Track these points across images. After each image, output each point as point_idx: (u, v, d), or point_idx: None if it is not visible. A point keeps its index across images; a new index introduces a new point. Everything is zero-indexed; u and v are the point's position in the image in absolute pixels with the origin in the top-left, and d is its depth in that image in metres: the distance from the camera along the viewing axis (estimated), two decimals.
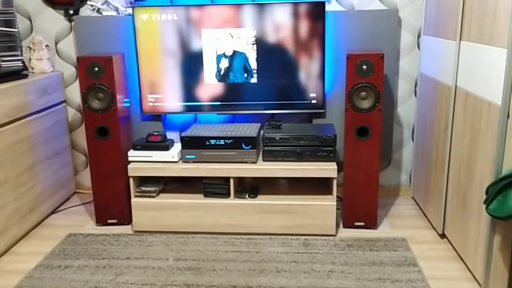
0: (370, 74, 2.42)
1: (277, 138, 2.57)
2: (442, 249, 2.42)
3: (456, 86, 2.28)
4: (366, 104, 2.47)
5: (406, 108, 3.01)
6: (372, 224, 2.62)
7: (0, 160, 2.40)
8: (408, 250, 2.40)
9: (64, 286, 2.15)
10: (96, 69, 2.53)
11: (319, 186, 2.75)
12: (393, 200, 3.05)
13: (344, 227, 2.65)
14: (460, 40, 2.23)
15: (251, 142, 2.55)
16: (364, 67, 2.42)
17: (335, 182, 2.53)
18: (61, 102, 3.05)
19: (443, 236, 2.53)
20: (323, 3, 2.68)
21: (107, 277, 2.21)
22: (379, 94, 2.44)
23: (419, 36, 2.90)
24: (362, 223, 2.62)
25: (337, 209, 2.72)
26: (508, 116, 1.80)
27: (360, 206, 2.59)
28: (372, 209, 2.59)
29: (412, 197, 3.06)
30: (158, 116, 3.00)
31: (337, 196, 2.92)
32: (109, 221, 2.74)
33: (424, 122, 2.74)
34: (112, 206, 2.71)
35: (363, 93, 2.46)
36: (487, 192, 1.81)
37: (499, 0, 1.83)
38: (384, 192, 3.12)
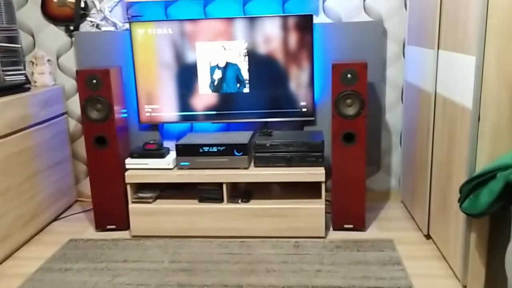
0: (354, 83, 2.54)
1: (268, 145, 2.68)
2: (427, 249, 2.51)
3: (436, 92, 2.39)
4: (351, 111, 2.58)
5: (394, 115, 3.12)
6: (360, 226, 2.72)
7: (2, 169, 2.53)
8: (394, 250, 2.49)
9: (63, 287, 2.26)
10: (94, 81, 2.66)
11: (310, 190, 2.85)
12: (383, 204, 3.15)
13: (333, 229, 2.75)
14: (438, 49, 2.35)
15: (242, 148, 2.67)
16: (349, 76, 2.53)
17: (323, 186, 2.63)
18: (62, 114, 3.19)
19: (428, 237, 2.62)
20: (311, 16, 2.81)
21: (104, 279, 2.32)
22: (363, 102, 2.55)
23: (404, 46, 3.02)
24: (351, 226, 2.72)
25: (327, 213, 2.83)
26: (479, 119, 1.91)
27: (349, 209, 2.70)
28: (360, 211, 2.69)
29: (401, 201, 3.16)
30: (156, 126, 3.13)
31: (328, 200, 3.02)
32: (108, 226, 2.85)
33: (410, 128, 2.85)
34: (110, 212, 2.83)
35: (348, 101, 2.57)
36: (460, 191, 1.92)
37: (469, 11, 1.95)
38: (374, 196, 3.22)
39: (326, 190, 3.06)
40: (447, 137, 2.23)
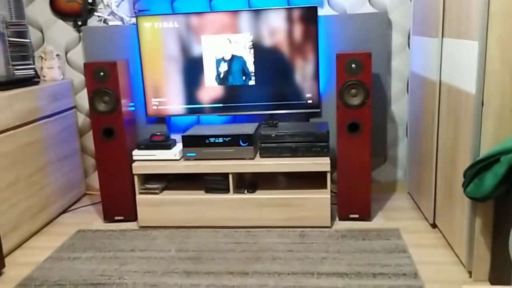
0: (359, 72, 2.55)
1: (273, 135, 2.70)
2: (433, 237, 2.51)
3: (440, 81, 2.40)
4: (356, 101, 2.59)
5: (400, 106, 3.12)
6: (366, 216, 2.73)
7: (12, 160, 2.57)
8: (400, 239, 2.50)
9: (72, 274, 2.30)
10: (102, 73, 2.70)
11: (315, 181, 2.86)
12: (389, 196, 3.15)
13: (339, 220, 2.76)
14: (442, 37, 2.35)
15: (248, 139, 2.69)
16: (353, 65, 2.55)
17: (329, 175, 2.64)
18: (71, 108, 3.23)
19: (434, 226, 2.62)
20: (315, 7, 2.82)
21: (112, 267, 2.35)
22: (368, 91, 2.56)
23: (409, 37, 3.03)
24: (357, 215, 2.73)
25: (333, 204, 2.84)
26: (482, 104, 1.91)
27: (354, 199, 2.70)
28: (365, 201, 2.70)
29: (408, 192, 3.15)
30: (163, 119, 3.16)
31: (333, 192, 3.03)
32: (116, 218, 2.89)
33: (416, 118, 2.85)
34: (118, 203, 2.86)
35: (353, 91, 2.58)
36: (464, 175, 1.92)
37: None
38: (381, 188, 3.23)
39: (332, 182, 3.07)
40: (452, 124, 2.23)
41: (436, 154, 2.49)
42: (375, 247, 2.41)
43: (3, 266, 2.35)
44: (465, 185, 1.91)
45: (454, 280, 2.10)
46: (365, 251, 2.38)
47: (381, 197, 3.13)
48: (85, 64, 2.71)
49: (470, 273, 2.11)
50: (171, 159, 2.76)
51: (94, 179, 3.43)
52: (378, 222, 2.74)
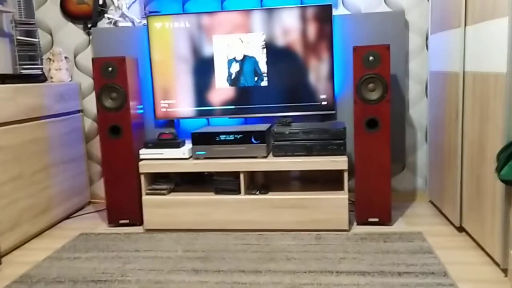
0: (377, 65, 2.44)
1: (287, 133, 2.57)
2: (460, 240, 2.33)
3: (464, 71, 2.28)
4: (374, 95, 2.47)
5: (418, 111, 2.99)
6: (386, 220, 2.55)
7: (15, 155, 2.46)
8: (424, 241, 2.32)
9: (71, 273, 2.14)
10: (110, 69, 2.61)
11: (330, 184, 2.71)
12: (409, 204, 2.98)
13: (358, 224, 2.59)
14: (465, 26, 2.25)
15: (260, 136, 2.56)
16: (371, 58, 2.44)
17: (346, 174, 2.49)
18: (78, 111, 3.14)
19: (461, 229, 2.45)
20: (330, 5, 2.75)
21: (114, 265, 2.19)
22: (387, 85, 2.44)
23: (427, 38, 2.93)
24: (376, 219, 2.56)
25: (350, 211, 2.68)
26: None
27: (373, 201, 2.54)
28: (385, 203, 2.53)
29: (430, 201, 2.98)
30: (171, 122, 3.05)
31: (351, 200, 2.87)
32: (121, 221, 2.73)
33: (436, 119, 2.72)
34: (124, 206, 2.71)
35: (371, 85, 2.47)
36: (498, 159, 1.77)
37: None
38: (400, 196, 3.06)
39: (349, 190, 2.91)
40: (479, 113, 2.10)
41: (461, 151, 2.34)
42: (398, 249, 2.23)
43: None
44: (499, 168, 1.75)
45: (487, 279, 1.91)
46: (388, 252, 2.20)
47: (401, 205, 2.95)
48: (93, 59, 2.63)
49: (505, 271, 1.92)
50: (180, 157, 2.63)
51: (99, 187, 3.30)
52: (399, 226, 2.56)
